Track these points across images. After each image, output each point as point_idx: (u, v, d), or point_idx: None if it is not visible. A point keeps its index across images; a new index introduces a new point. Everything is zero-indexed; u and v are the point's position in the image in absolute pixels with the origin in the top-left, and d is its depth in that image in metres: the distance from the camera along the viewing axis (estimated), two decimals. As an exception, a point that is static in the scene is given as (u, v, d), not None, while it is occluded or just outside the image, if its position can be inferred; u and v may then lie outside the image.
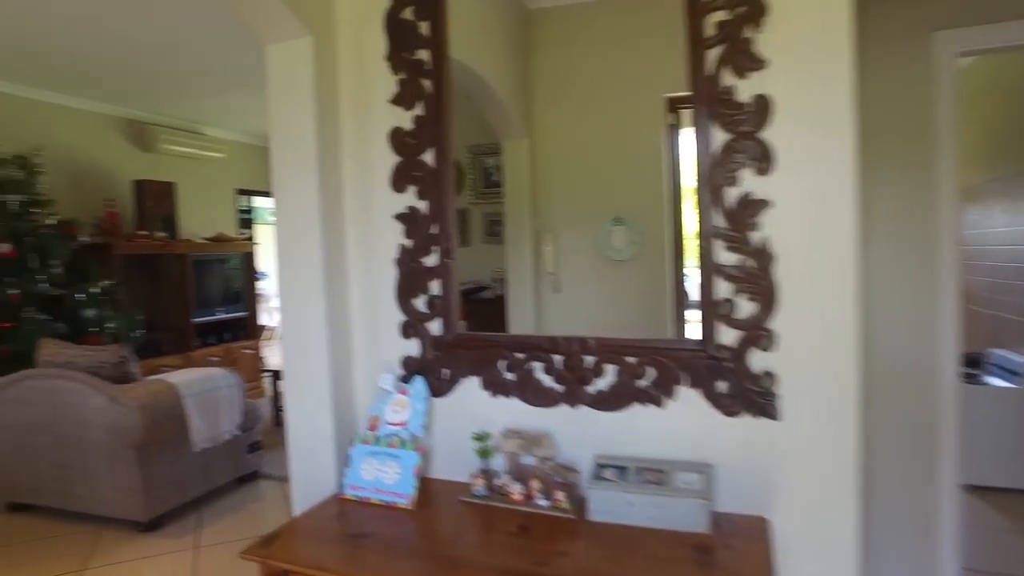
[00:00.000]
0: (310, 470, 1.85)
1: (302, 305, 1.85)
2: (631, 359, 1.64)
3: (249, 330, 6.69)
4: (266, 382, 6.56)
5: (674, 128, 1.99)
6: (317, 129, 1.80)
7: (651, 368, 1.62)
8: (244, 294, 6.65)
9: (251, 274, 6.72)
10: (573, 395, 1.70)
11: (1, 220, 4.18)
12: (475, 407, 1.80)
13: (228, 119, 6.55)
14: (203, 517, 3.58)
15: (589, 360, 1.67)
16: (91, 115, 5.58)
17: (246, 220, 7.46)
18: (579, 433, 1.70)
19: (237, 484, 4.03)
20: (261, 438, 4.26)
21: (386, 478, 1.68)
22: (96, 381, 3.36)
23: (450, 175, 1.82)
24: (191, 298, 5.90)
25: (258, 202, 7.69)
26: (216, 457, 3.79)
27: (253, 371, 6.65)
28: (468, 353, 1.80)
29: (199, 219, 6.50)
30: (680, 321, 1.94)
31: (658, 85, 2.01)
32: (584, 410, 1.69)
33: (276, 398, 5.51)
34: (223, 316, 6.33)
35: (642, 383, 1.63)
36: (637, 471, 1.58)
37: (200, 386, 3.64)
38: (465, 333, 1.83)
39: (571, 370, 1.69)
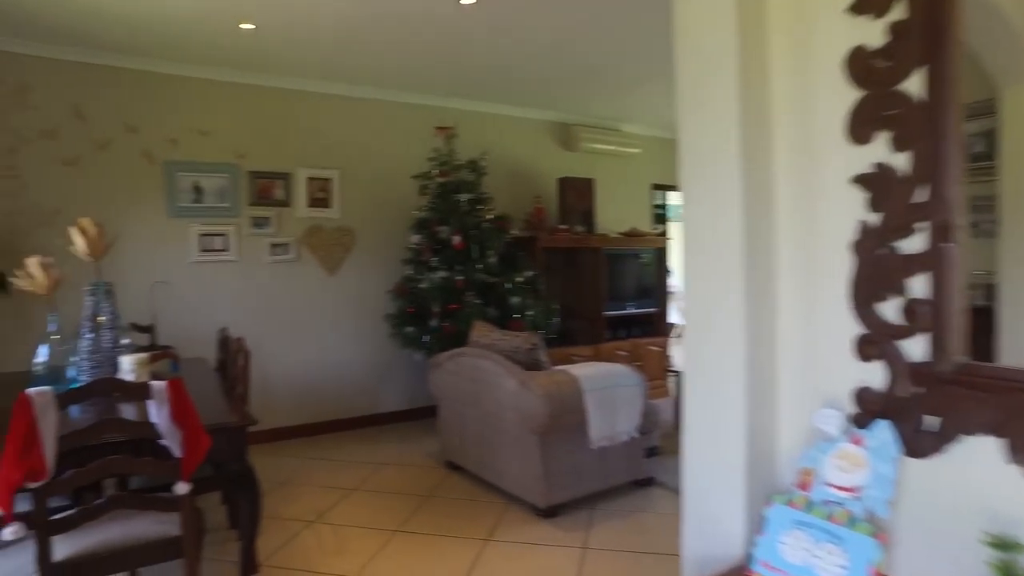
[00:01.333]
0: (708, 524, 1.40)
1: (712, 302, 1.40)
2: None
3: (657, 327, 6.57)
4: (671, 383, 6.35)
5: None
6: (738, 61, 1.32)
7: None
8: (654, 290, 6.56)
9: (663, 270, 6.58)
10: None
11: (455, 216, 4.80)
12: (990, 487, 1.10)
13: (644, 114, 6.51)
14: (594, 515, 3.46)
15: None
16: (525, 121, 6.14)
17: (659, 216, 7.39)
18: None
19: (632, 487, 3.82)
20: (660, 443, 3.99)
21: (821, 568, 1.12)
22: (510, 365, 3.52)
23: (953, 109, 1.15)
24: (604, 291, 6.03)
25: (672, 198, 7.55)
26: (613, 456, 3.64)
27: (658, 369, 6.50)
28: (978, 396, 1.10)
29: (614, 214, 6.63)
30: None
31: None
32: None
33: (680, 401, 5.20)
34: (633, 311, 6.34)
35: None
36: None
37: (602, 382, 3.53)
38: (972, 363, 1.13)
39: None
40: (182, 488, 1.96)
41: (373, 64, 4.61)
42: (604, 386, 3.53)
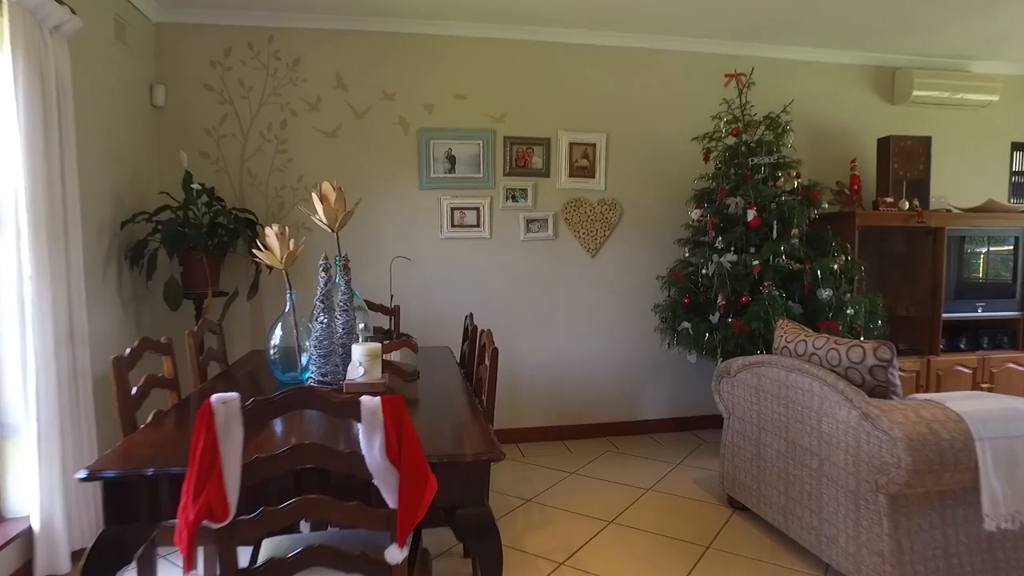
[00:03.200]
0: None
1: None
2: None
3: (1018, 336, 4.80)
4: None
5: None
6: None
7: None
8: (1018, 286, 4.79)
9: (1030, 260, 4.78)
10: None
11: (748, 185, 3.76)
12: None
13: (1005, 46, 4.73)
14: (984, 631, 2.26)
15: None
16: (833, 67, 4.80)
17: (1021, 187, 5.45)
18: None
19: (1034, 587, 2.51)
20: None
21: None
22: (847, 387, 2.45)
23: None
24: (942, 286, 4.50)
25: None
26: (1013, 541, 2.38)
27: (1018, 395, 4.75)
28: None
29: (954, 183, 4.99)
30: None
31: None
32: None
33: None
34: (982, 314, 4.68)
35: None
36: None
37: (1004, 426, 2.28)
38: None
39: None
40: (394, 556, 1.34)
41: (646, 4, 3.76)
42: (1010, 433, 2.29)
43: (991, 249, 4.74)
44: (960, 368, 4.57)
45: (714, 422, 4.53)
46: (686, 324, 3.89)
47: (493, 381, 2.08)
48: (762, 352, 3.58)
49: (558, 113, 4.27)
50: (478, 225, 4.15)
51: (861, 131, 4.85)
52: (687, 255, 4.06)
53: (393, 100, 4.07)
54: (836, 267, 3.76)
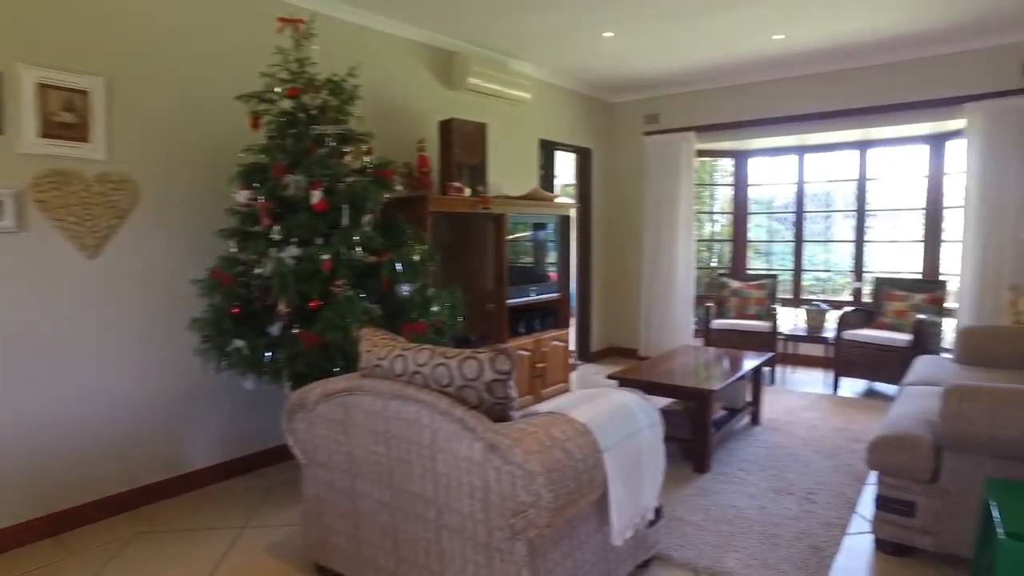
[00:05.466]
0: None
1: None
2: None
3: (559, 316, 5.24)
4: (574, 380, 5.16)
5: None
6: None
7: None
8: (556, 270, 5.21)
9: (566, 245, 5.24)
10: None
11: (310, 161, 2.98)
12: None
13: (539, 49, 5.08)
14: (618, 662, 2.00)
15: None
16: (399, 42, 4.45)
17: (545, 180, 6.03)
18: None
19: (638, 573, 2.43)
20: (659, 501, 2.60)
21: None
22: (466, 413, 1.89)
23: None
24: (506, 273, 4.55)
25: (563, 160, 6.24)
26: (618, 547, 2.20)
27: (561, 370, 5.21)
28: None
29: (500, 173, 5.16)
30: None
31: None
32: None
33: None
34: (535, 298, 4.93)
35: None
36: None
37: (620, 429, 2.04)
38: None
39: None
40: None
41: None
42: (625, 434, 2.06)
43: (536, 235, 5.05)
44: (522, 352, 4.71)
45: (287, 453, 3.67)
46: (240, 343, 2.92)
47: None
48: (342, 370, 2.88)
49: (17, 32, 2.74)
50: None
51: (426, 113, 4.58)
52: (234, 250, 3.07)
53: None
54: (417, 258, 3.30)
